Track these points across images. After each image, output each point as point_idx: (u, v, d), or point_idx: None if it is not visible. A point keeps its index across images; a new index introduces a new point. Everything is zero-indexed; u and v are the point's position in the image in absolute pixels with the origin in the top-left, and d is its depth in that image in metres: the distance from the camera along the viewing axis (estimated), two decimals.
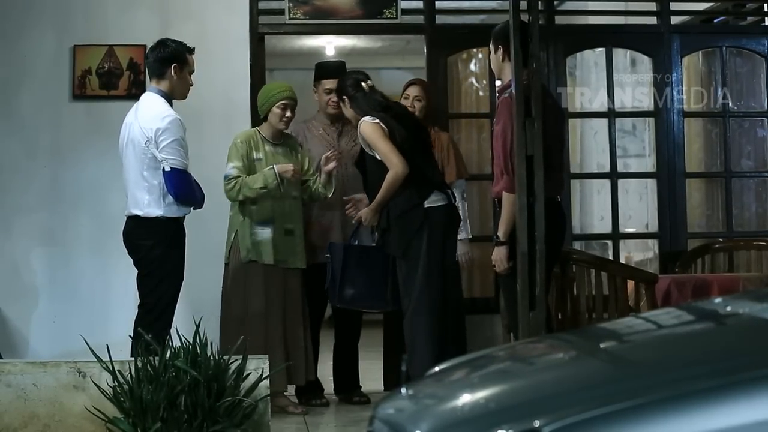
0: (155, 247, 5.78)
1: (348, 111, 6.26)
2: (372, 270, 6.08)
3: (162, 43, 5.94)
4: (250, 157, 6.39)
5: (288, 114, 6.44)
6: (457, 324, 6.00)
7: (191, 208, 5.95)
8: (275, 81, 6.87)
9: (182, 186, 5.75)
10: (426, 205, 5.91)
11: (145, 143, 5.73)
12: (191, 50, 5.98)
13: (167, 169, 5.70)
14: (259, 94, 6.58)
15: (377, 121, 5.98)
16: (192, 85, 6.00)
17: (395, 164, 5.88)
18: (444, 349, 5.68)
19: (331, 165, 6.44)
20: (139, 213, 5.79)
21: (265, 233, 6.36)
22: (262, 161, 6.41)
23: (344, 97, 6.25)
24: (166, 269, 5.80)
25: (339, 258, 6.15)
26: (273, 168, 6.31)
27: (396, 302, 6.09)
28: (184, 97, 5.99)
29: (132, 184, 5.83)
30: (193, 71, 5.99)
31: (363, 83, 6.21)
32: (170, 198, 5.75)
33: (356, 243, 6.24)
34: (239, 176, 6.32)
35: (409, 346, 5.96)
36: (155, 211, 5.77)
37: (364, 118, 6.02)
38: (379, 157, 5.97)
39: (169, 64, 5.87)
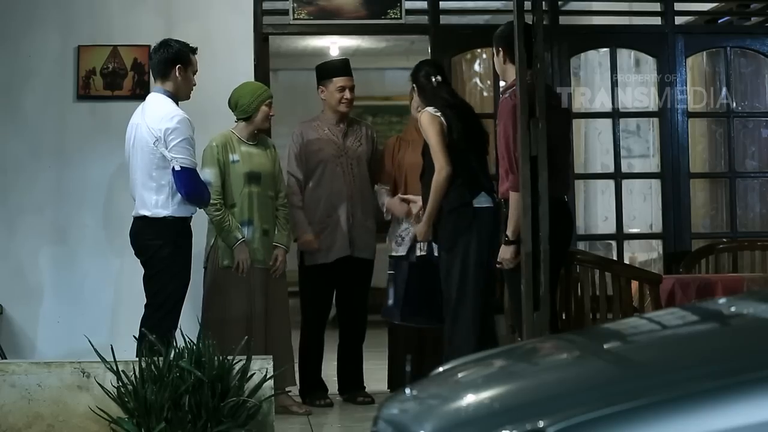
0: (163, 248, 5.78)
1: (414, 99, 6.26)
2: (436, 286, 6.00)
3: (165, 44, 5.94)
4: (226, 161, 6.36)
5: (272, 112, 6.48)
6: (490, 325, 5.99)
7: (197, 208, 5.96)
8: (251, 82, 6.80)
9: (192, 185, 5.75)
10: (475, 205, 5.87)
11: (154, 143, 5.73)
12: (194, 50, 5.98)
13: (177, 168, 5.70)
14: (239, 95, 6.45)
15: (438, 114, 5.95)
16: (195, 85, 6.01)
17: (440, 165, 5.84)
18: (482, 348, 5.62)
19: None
20: (147, 213, 5.79)
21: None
22: (238, 162, 6.37)
23: (414, 84, 6.25)
24: (174, 269, 5.80)
25: (404, 276, 6.12)
26: (242, 243, 6.26)
27: None
28: (188, 97, 6.00)
29: (140, 185, 5.83)
30: (197, 71, 5.99)
31: (433, 77, 6.19)
32: (178, 198, 5.75)
33: (415, 258, 6.18)
34: (222, 202, 6.28)
35: (448, 345, 5.88)
36: (163, 211, 5.77)
37: (427, 108, 5.99)
38: None
39: (173, 65, 5.87)
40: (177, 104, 5.87)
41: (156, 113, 5.79)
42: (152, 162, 5.76)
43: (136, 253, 5.91)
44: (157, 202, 5.77)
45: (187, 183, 5.72)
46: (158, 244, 5.78)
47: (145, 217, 5.80)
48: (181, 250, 5.83)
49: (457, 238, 5.82)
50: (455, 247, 5.82)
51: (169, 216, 5.77)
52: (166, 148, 5.70)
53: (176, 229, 5.80)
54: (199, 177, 5.85)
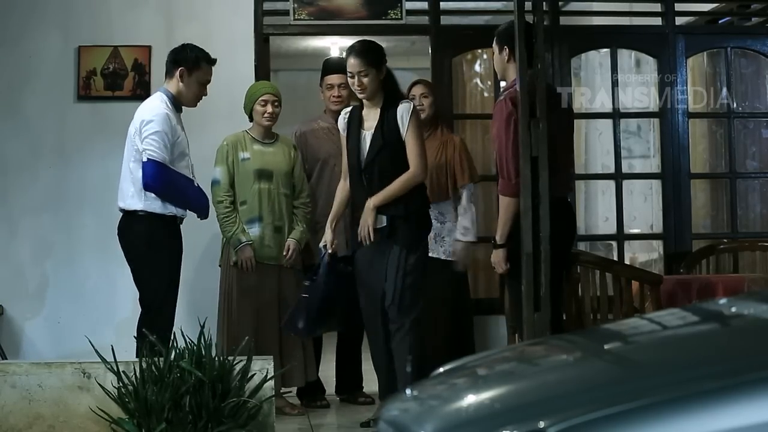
0: (138, 243, 5.76)
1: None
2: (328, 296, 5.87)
3: (182, 46, 5.99)
4: (236, 159, 6.39)
5: (269, 109, 6.43)
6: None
7: (186, 211, 5.91)
8: (253, 83, 6.81)
9: (156, 177, 5.70)
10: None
11: (134, 134, 5.77)
12: (210, 60, 5.95)
13: (144, 159, 5.70)
14: (244, 97, 6.55)
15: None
16: (206, 95, 5.99)
17: (421, 167, 5.65)
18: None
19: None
20: (122, 205, 5.82)
21: (252, 232, 6.34)
22: (248, 160, 6.40)
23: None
24: (152, 267, 5.75)
25: (319, 293, 5.82)
26: (247, 246, 6.27)
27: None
28: (192, 104, 5.97)
29: (121, 176, 5.86)
30: (208, 81, 5.96)
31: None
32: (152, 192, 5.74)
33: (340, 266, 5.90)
34: (231, 200, 6.32)
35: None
36: (136, 203, 5.76)
37: (412, 102, 5.83)
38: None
39: (176, 66, 5.89)
40: (179, 107, 5.87)
41: (142, 107, 5.86)
42: (131, 153, 5.80)
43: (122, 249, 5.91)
44: (132, 193, 5.78)
45: (151, 175, 5.68)
46: (132, 239, 5.78)
47: (123, 210, 5.83)
48: (159, 248, 5.78)
49: (419, 239, 5.74)
50: (415, 246, 5.69)
51: (142, 210, 5.75)
52: (140, 140, 5.72)
53: (152, 226, 5.76)
54: (171, 174, 5.76)
